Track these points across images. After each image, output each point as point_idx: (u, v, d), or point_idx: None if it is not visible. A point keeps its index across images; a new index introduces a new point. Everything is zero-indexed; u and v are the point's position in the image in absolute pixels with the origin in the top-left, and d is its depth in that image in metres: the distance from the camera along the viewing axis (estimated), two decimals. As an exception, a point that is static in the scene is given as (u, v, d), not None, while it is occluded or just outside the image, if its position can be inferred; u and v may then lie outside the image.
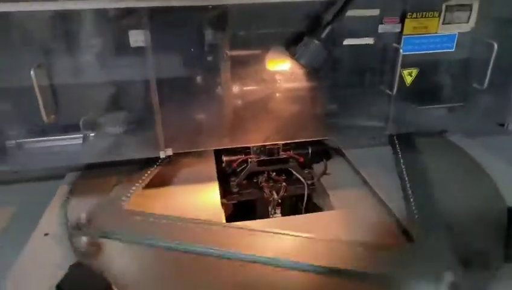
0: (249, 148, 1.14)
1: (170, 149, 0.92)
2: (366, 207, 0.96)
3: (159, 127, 0.89)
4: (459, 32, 0.93)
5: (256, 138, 0.98)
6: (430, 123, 1.04)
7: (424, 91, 0.99)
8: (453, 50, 0.94)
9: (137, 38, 0.85)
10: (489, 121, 1.06)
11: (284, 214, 1.12)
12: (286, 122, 0.98)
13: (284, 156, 1.14)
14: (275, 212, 1.11)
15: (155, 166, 0.99)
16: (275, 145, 1.12)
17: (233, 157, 1.14)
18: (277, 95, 0.97)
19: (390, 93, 0.95)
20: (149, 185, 0.96)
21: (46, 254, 0.73)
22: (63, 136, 0.91)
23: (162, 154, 0.91)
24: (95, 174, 0.97)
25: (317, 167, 1.20)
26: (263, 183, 1.12)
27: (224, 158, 1.14)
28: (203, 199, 0.94)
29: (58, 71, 0.82)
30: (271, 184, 1.13)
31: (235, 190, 1.12)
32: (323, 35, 0.82)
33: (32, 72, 0.74)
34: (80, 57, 0.84)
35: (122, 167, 0.98)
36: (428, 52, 0.93)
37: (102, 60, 0.86)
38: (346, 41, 0.90)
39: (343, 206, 1.02)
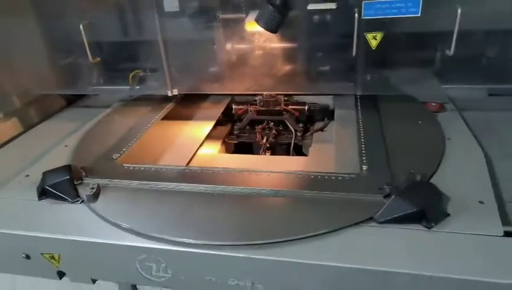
0: (256, 99, 1.36)
1: (176, 90, 1.23)
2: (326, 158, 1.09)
3: (166, 74, 1.20)
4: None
5: (240, 87, 1.20)
6: (397, 88, 1.08)
7: (390, 55, 1.04)
8: (419, 15, 0.96)
9: (172, 4, 1.16)
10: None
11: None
12: (265, 77, 1.17)
13: (279, 108, 1.33)
14: (265, 154, 1.32)
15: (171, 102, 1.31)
16: (273, 98, 1.32)
17: (240, 106, 1.39)
18: (260, 53, 1.16)
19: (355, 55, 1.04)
20: (166, 116, 1.29)
21: (59, 159, 1.03)
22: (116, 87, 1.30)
23: (169, 93, 1.23)
24: (131, 104, 1.35)
25: (320, 124, 1.35)
26: (258, 130, 1.34)
27: (233, 106, 1.40)
28: (194, 131, 1.23)
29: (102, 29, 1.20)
30: (266, 131, 1.34)
31: (236, 132, 1.37)
32: (277, 1, 0.98)
33: (81, 27, 1.13)
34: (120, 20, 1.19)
35: (153, 101, 1.33)
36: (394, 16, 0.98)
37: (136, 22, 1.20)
38: (310, 6, 1.02)
39: (312, 156, 1.18)
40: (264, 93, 1.29)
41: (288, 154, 1.33)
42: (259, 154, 1.32)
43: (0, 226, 0.81)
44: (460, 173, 0.86)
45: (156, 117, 1.22)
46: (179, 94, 1.25)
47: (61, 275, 0.83)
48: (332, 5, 1.01)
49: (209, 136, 1.36)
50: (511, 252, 0.65)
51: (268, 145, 1.31)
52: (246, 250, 0.70)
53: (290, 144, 1.32)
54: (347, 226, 0.73)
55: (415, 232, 0.71)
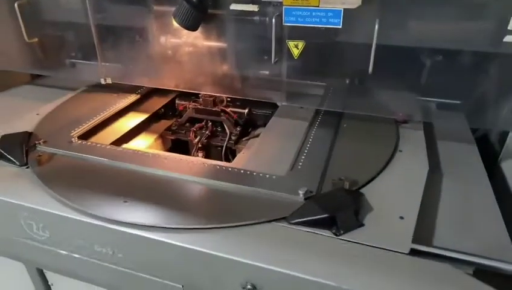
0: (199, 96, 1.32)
1: (109, 78, 1.21)
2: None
3: (100, 62, 1.18)
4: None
5: (168, 82, 1.16)
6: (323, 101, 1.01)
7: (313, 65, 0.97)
8: (340, 26, 0.89)
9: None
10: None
11: (206, 158, 1.28)
12: (193, 75, 1.13)
13: (216, 109, 1.28)
14: (197, 155, 1.28)
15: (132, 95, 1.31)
16: (211, 97, 1.28)
17: (182, 102, 1.36)
18: (190, 49, 1.11)
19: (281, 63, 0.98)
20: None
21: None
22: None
23: (102, 81, 1.21)
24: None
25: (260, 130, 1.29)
26: (193, 129, 1.30)
27: (177, 101, 1.37)
28: (123, 121, 1.21)
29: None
30: (203, 131, 1.30)
31: (174, 128, 1.34)
32: (195, -1, 0.93)
33: (16, 5, 1.13)
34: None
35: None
36: (315, 26, 0.91)
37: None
38: (232, 6, 0.97)
39: (237, 162, 1.12)
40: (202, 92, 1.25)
41: (221, 157, 1.29)
42: (192, 154, 1.29)
43: None
44: (395, 186, 0.84)
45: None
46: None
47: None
48: (254, 7, 0.95)
49: (149, 129, 1.34)
50: (409, 271, 0.64)
51: (200, 146, 1.27)
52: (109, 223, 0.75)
53: (227, 147, 1.28)
54: (258, 223, 0.73)
55: (321, 237, 0.71)
